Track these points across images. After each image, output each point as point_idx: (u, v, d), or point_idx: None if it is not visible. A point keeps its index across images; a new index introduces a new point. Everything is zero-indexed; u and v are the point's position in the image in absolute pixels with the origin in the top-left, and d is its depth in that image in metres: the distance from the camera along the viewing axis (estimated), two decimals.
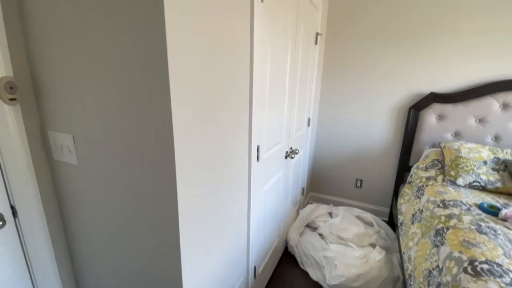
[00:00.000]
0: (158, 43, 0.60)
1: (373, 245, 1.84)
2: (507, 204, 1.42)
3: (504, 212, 1.22)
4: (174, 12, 0.61)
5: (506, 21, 1.79)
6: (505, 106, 1.86)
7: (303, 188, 2.36)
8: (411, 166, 2.23)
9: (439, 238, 1.19)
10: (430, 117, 2.08)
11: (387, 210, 2.48)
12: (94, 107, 0.77)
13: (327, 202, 2.70)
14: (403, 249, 1.53)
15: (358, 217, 2.13)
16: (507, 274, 0.89)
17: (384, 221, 2.22)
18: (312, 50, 1.96)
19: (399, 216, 1.85)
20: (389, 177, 2.41)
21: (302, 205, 2.42)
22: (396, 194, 2.34)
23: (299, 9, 1.51)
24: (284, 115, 1.54)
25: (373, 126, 2.36)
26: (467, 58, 1.93)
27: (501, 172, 1.56)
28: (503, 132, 1.88)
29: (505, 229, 1.12)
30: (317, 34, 1.97)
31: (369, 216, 2.10)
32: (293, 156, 1.66)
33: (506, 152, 1.66)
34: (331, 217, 2.11)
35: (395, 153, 2.34)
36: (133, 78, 0.67)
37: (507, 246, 1.02)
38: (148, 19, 0.60)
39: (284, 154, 1.63)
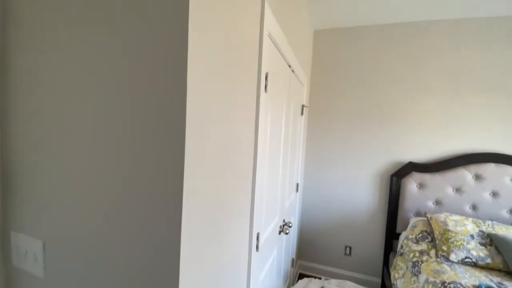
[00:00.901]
0: (175, 151, 0.54)
1: None
2: (501, 284, 1.40)
3: None
4: (193, 124, 0.57)
5: (472, 103, 2.06)
6: (477, 177, 2.00)
7: (293, 259, 2.20)
8: (398, 233, 2.22)
9: None
10: (411, 185, 2.17)
11: (378, 280, 2.36)
12: (79, 215, 0.64)
13: (316, 271, 2.52)
14: None
15: None
16: None
17: None
18: (299, 120, 2.04)
19: None
20: (378, 244, 2.36)
21: (292, 277, 2.22)
22: (386, 262, 2.26)
23: (290, 88, 1.60)
24: (278, 188, 1.49)
25: (358, 192, 2.39)
26: (440, 132, 2.14)
27: (488, 247, 1.58)
28: (479, 202, 1.99)
29: None
30: (303, 106, 2.08)
31: None
32: (287, 231, 1.56)
33: (488, 225, 1.73)
34: None
35: (381, 219, 2.34)
36: (141, 187, 0.58)
37: None
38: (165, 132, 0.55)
39: (278, 230, 1.53)
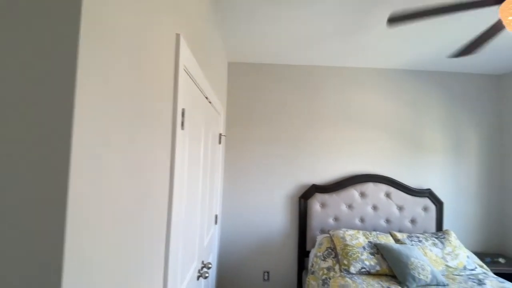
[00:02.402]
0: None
1: None
2: None
3: None
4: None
5: (356, 134, 2.53)
6: (362, 194, 2.44)
7: None
8: (308, 251, 2.42)
9: None
10: (315, 205, 2.43)
11: None
12: None
13: None
14: None
15: None
16: None
17: None
18: (217, 149, 2.00)
19: None
20: (293, 265, 2.49)
21: None
22: (300, 281, 2.40)
23: (208, 119, 1.55)
24: (197, 227, 1.36)
25: (273, 215, 2.50)
26: (335, 157, 2.53)
27: (376, 255, 1.91)
28: (365, 215, 2.42)
29: None
30: (220, 135, 2.06)
31: None
32: (206, 275, 1.42)
33: (374, 235, 2.10)
34: None
35: (294, 239, 2.51)
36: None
37: None
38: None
39: (196, 275, 1.38)
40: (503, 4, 0.97)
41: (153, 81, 0.70)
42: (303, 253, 2.44)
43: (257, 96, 2.54)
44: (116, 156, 0.52)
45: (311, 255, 2.25)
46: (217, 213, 2.09)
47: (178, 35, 0.88)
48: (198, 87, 1.24)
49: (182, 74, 0.93)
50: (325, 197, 2.44)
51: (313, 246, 2.39)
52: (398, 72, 2.61)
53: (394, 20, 1.25)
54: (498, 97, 2.64)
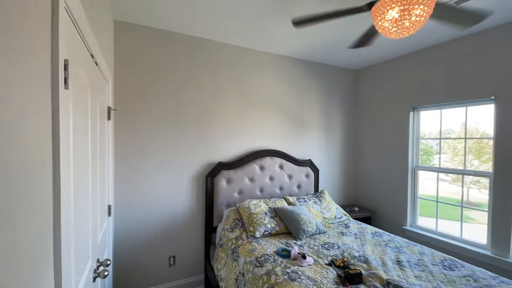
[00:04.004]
0: None
1: None
2: (288, 243, 1.95)
3: (292, 253, 1.69)
4: None
5: (255, 113, 2.68)
6: (261, 168, 2.68)
7: None
8: (215, 227, 2.47)
9: None
10: (221, 182, 2.48)
11: (202, 276, 2.49)
12: None
13: None
14: None
15: None
16: None
17: None
18: (106, 126, 1.64)
19: (220, 283, 1.93)
20: (200, 244, 2.48)
21: None
22: (207, 257, 2.44)
23: (95, 85, 1.22)
24: (90, 221, 1.10)
25: (178, 198, 2.36)
26: (238, 135, 2.62)
27: (275, 218, 2.17)
28: (264, 185, 2.68)
29: (301, 268, 1.55)
30: (109, 108, 1.70)
31: None
32: (106, 273, 1.19)
33: (272, 201, 2.37)
34: None
35: (201, 218, 2.48)
36: None
37: (310, 285, 1.40)
38: None
39: (92, 277, 1.13)
40: (374, 7, 1.23)
41: (21, 20, 0.46)
42: (210, 229, 2.46)
43: (155, 68, 2.23)
44: None
45: (219, 229, 2.31)
46: (111, 203, 1.77)
47: None
48: (83, 40, 0.93)
49: (63, 15, 0.67)
50: (231, 173, 2.52)
51: (221, 221, 2.45)
52: (289, 60, 2.93)
53: (297, 23, 1.53)
54: (355, 87, 3.46)
